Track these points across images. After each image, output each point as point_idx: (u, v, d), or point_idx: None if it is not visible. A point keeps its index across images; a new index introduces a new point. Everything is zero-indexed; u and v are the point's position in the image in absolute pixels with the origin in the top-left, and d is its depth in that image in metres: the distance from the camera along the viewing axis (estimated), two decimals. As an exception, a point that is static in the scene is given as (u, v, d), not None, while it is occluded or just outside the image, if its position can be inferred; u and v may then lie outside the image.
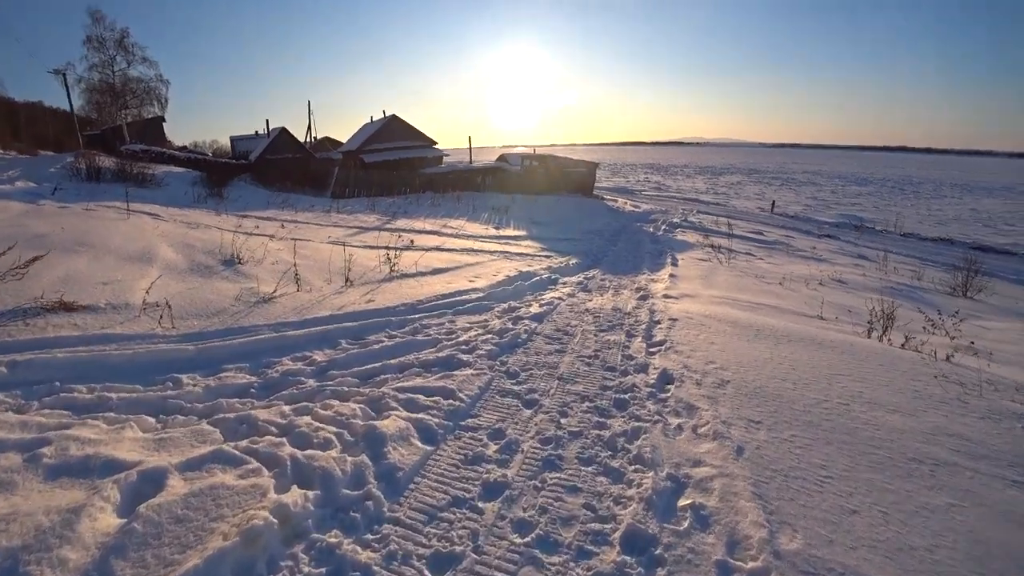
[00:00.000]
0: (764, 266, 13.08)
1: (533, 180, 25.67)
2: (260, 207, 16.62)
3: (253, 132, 39.98)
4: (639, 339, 5.99)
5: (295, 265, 7.80)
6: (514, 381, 4.73)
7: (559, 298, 7.97)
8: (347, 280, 7.69)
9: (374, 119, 34.38)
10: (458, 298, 7.31)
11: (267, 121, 27.27)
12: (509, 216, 18.63)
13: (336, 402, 4.05)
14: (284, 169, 24.26)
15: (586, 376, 4.91)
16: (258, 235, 11.36)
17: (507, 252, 12.13)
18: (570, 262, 11.63)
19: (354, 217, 16.08)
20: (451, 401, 4.15)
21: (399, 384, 4.44)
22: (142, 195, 16.14)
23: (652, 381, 4.76)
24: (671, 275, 10.62)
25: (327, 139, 42.54)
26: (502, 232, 15.58)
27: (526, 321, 6.42)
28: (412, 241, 10.32)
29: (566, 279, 9.74)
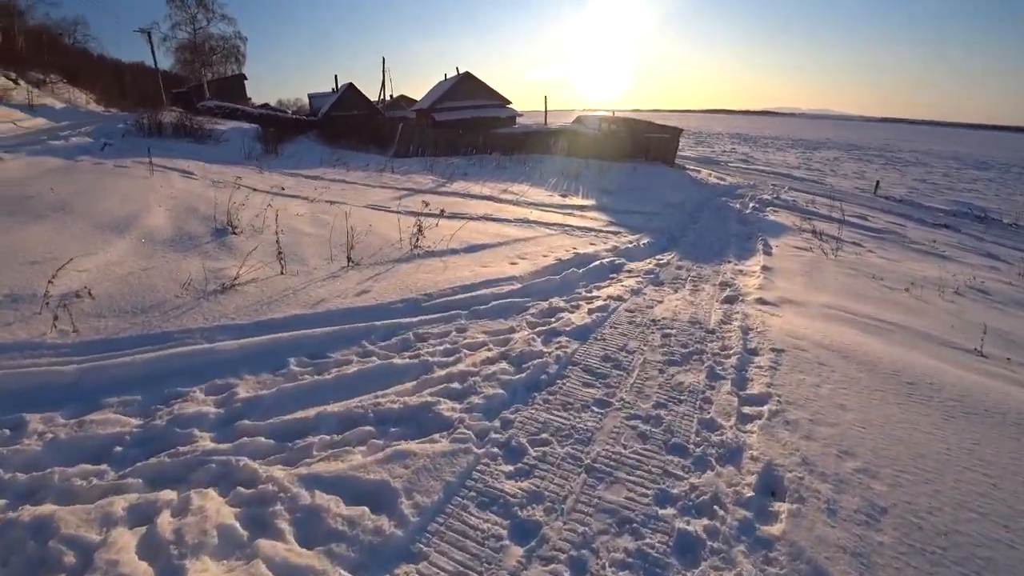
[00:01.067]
0: (878, 262, 10.56)
1: (610, 145, 23.29)
2: (312, 165, 15.52)
3: (330, 89, 39.27)
4: (727, 386, 4.02)
5: (277, 238, 6.38)
6: (511, 469, 2.94)
7: (619, 296, 6.12)
8: (349, 259, 6.16)
9: (448, 77, 32.68)
10: (485, 291, 5.60)
11: (335, 77, 26.28)
12: (579, 183, 16.63)
13: (203, 500, 2.45)
14: (349, 126, 23.19)
15: (635, 467, 3.04)
16: (288, 196, 10.12)
17: (568, 226, 10.29)
18: (641, 242, 9.67)
19: (408, 178, 14.64)
20: (381, 522, 2.44)
21: (320, 467, 2.79)
22: (194, 151, 15.41)
23: (746, 493, 2.83)
24: (764, 267, 8.48)
25: (403, 97, 41.31)
26: (568, 200, 13.67)
27: (564, 338, 4.63)
28: (442, 211, 8.65)
29: (633, 265, 7.85)
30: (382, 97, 27.52)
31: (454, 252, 7.03)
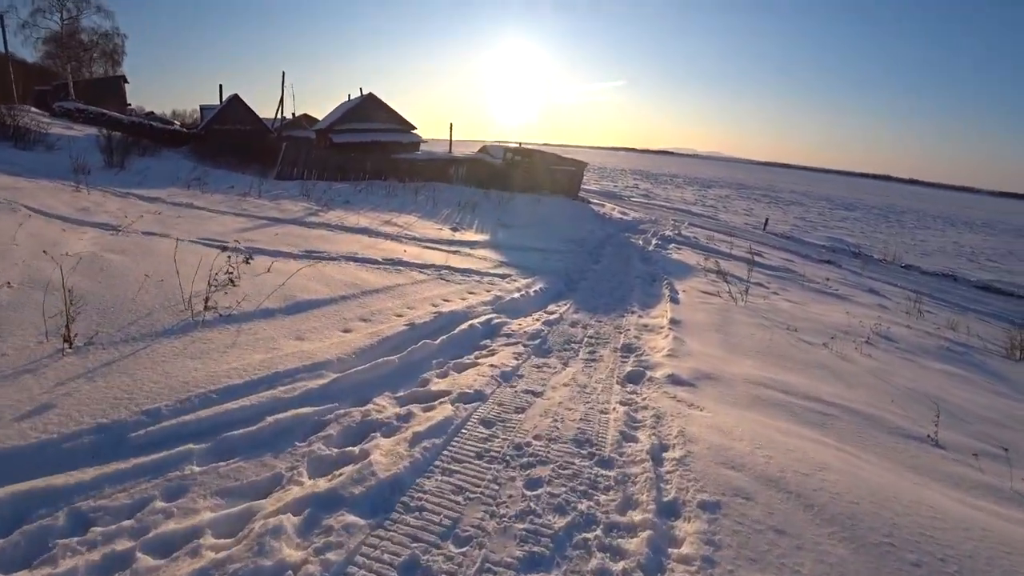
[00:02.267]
0: (786, 307, 9.52)
1: (513, 176, 21.91)
2: (161, 184, 12.73)
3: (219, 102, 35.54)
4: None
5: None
6: None
7: (478, 391, 4.08)
8: (67, 339, 3.82)
9: (351, 97, 30.30)
10: (265, 394, 3.47)
11: (220, 87, 23.02)
12: (476, 215, 14.90)
13: None
14: (229, 142, 20.32)
15: None
16: (88, 224, 7.59)
17: (448, 268, 8.40)
18: (533, 288, 7.96)
19: (276, 204, 12.24)
20: None
21: None
22: (7, 158, 12.22)
23: None
24: (672, 320, 7.00)
25: (305, 116, 38.26)
26: (459, 235, 11.85)
27: (345, 515, 2.48)
28: (249, 258, 6.44)
29: (515, 324, 6.03)
30: (279, 114, 24.67)
31: (265, 314, 4.89)
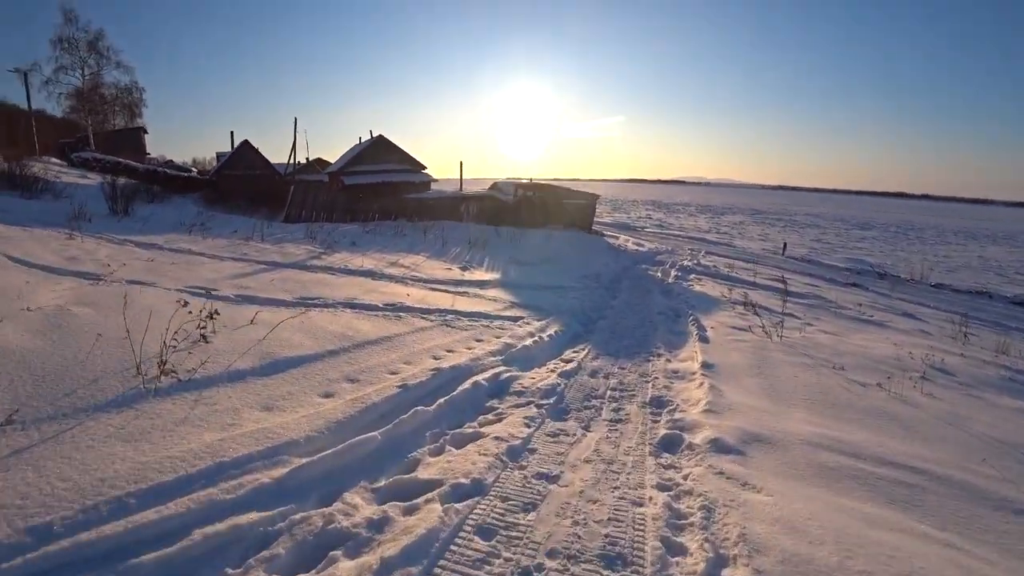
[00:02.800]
0: (824, 339, 8.58)
1: (525, 212, 21.38)
2: (164, 230, 12.33)
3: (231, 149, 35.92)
4: None
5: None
6: None
7: (477, 478, 3.21)
8: None
9: (362, 140, 30.34)
10: (188, 501, 2.63)
11: (231, 133, 23.13)
12: (487, 253, 14.26)
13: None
14: (238, 187, 20.19)
15: None
16: (68, 273, 7.04)
17: (455, 312, 7.68)
18: (547, 332, 7.18)
19: (279, 247, 11.72)
20: None
21: None
22: (10, 206, 11.94)
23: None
24: (704, 364, 6.16)
25: (319, 160, 38.54)
26: (468, 275, 11.17)
27: None
28: (212, 314, 5.81)
29: (528, 379, 5.25)
30: (293, 159, 24.64)
31: (234, 377, 4.17)
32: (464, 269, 11.79)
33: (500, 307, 8.51)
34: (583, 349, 6.69)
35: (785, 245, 30.23)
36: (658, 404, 4.86)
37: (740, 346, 7.28)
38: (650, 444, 3.93)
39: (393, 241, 14.47)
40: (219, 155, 35.93)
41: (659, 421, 4.42)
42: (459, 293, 9.25)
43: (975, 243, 46.04)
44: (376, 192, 23.65)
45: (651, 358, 6.60)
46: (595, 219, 25.95)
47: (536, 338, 6.71)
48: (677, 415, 4.50)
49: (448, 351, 5.77)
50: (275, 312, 6.38)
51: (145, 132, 34.20)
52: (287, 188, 20.10)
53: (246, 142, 22.41)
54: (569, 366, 5.75)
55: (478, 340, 6.44)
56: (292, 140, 23.58)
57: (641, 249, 19.74)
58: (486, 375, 5.02)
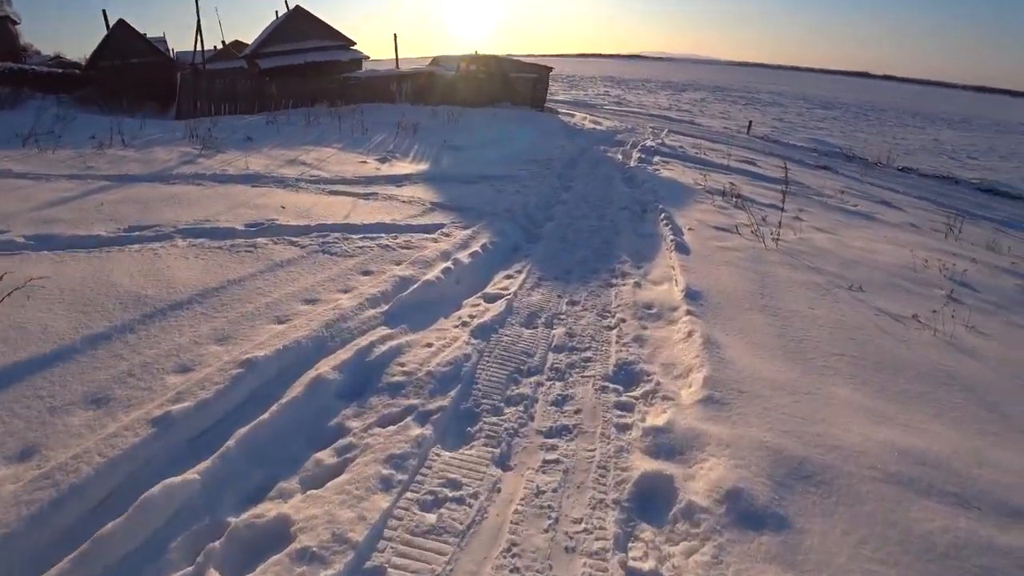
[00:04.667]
0: (823, 242, 6.71)
1: (468, 88, 18.12)
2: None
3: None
4: None
5: None
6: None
7: None
8: None
9: (279, 15, 25.19)
10: None
11: (104, 13, 17.79)
12: (416, 139, 11.52)
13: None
14: (118, 81, 16.10)
15: None
16: None
17: (347, 227, 5.40)
18: (469, 249, 5.02)
19: (142, 154, 8.79)
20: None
21: None
22: None
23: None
24: (689, 292, 4.19)
25: (236, 43, 32.61)
26: (386, 168, 8.66)
27: None
28: None
29: (419, 350, 3.13)
30: (199, 43, 20.03)
31: None
32: (383, 161, 9.21)
33: (415, 212, 6.22)
34: (519, 273, 4.60)
35: (750, 124, 27.86)
36: (627, 383, 2.92)
37: (730, 256, 5.31)
38: (616, 509, 2.00)
39: (302, 132, 11.50)
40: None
41: (628, 428, 2.49)
42: (366, 195, 6.85)
43: (932, 126, 44.58)
44: (297, 75, 19.69)
45: (614, 280, 4.59)
46: (549, 96, 22.76)
47: (452, 261, 4.56)
48: (658, 413, 2.58)
49: (307, 302, 3.60)
50: (56, 261, 4.00)
51: (14, 23, 27.31)
52: (173, 77, 16.12)
53: (121, 22, 17.48)
54: (492, 313, 3.67)
55: (365, 273, 4.26)
56: (196, 21, 18.92)
57: (599, 128, 17.09)
58: (348, 353, 2.91)
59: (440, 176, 8.39)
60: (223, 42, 32.31)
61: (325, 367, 2.75)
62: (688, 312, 3.76)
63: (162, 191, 6.66)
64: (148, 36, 29.27)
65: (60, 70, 17.58)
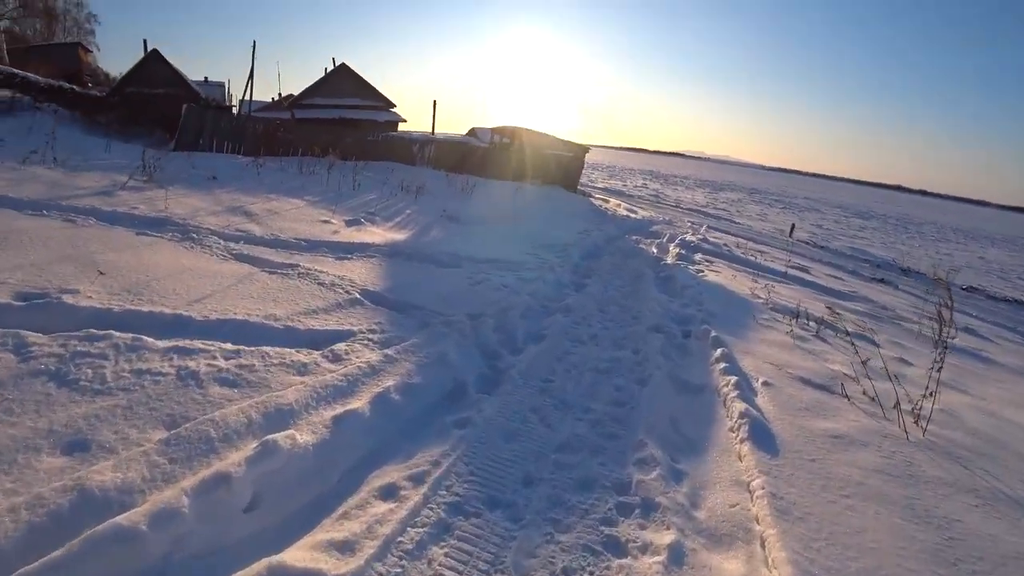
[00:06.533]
0: (980, 423, 4.02)
1: (497, 160, 16.42)
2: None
3: (203, 78, 30.00)
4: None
5: None
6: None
7: None
8: None
9: (327, 71, 24.84)
10: None
11: (144, 42, 17.32)
12: (415, 202, 9.46)
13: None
14: (143, 108, 15.07)
15: None
16: None
17: (175, 323, 3.05)
18: (354, 399, 2.56)
19: (68, 176, 6.99)
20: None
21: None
22: None
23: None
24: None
25: (290, 96, 32.97)
26: (347, 234, 6.47)
27: None
28: None
29: None
30: (248, 91, 19.39)
31: None
32: (353, 224, 7.03)
33: (324, 305, 3.84)
34: (424, 476, 2.11)
35: (793, 227, 25.48)
36: None
37: (853, 461, 2.68)
38: None
39: (285, 180, 9.61)
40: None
41: None
42: (282, 267, 4.57)
43: (975, 243, 41.67)
44: (330, 129, 18.53)
45: (620, 525, 2.05)
46: (586, 182, 21.04)
47: (300, 427, 2.09)
48: None
49: None
50: None
51: (86, 50, 28.15)
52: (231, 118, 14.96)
53: (155, 52, 16.85)
54: None
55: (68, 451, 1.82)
56: (250, 70, 18.21)
57: (632, 216, 14.91)
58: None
59: (411, 252, 6.09)
60: (280, 93, 32.58)
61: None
62: None
63: (7, 223, 4.53)
64: (210, 80, 29.59)
65: (77, 89, 16.81)
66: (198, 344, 2.99)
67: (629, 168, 70.54)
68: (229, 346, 3.04)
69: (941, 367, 3.42)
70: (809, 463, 2.63)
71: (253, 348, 3.07)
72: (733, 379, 3.49)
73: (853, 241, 27.97)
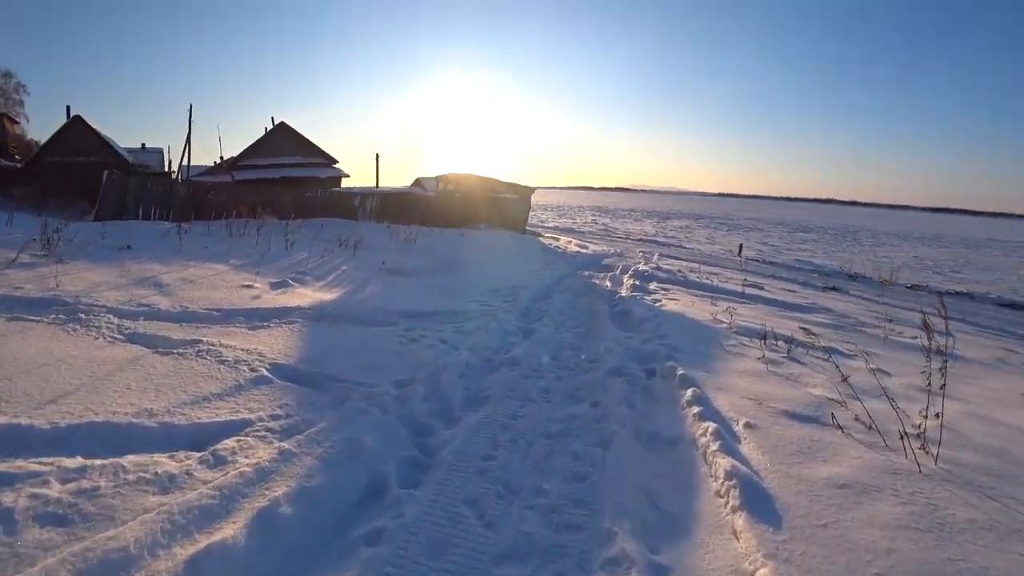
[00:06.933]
0: (979, 431, 3.62)
1: (443, 208, 16.04)
2: None
3: (140, 145, 28.78)
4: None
5: None
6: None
7: None
8: None
9: (267, 130, 24.34)
10: None
11: (67, 108, 16.29)
12: (352, 258, 8.83)
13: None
14: (64, 179, 14.12)
15: None
16: None
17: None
18: (229, 522, 1.89)
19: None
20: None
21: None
22: None
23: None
24: None
25: (232, 159, 32.13)
26: (271, 298, 5.77)
27: None
28: None
29: None
30: (186, 157, 18.50)
31: None
32: (279, 286, 6.31)
33: (221, 389, 3.13)
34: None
35: (741, 246, 26.01)
36: None
37: (865, 520, 2.15)
38: None
39: (210, 245, 8.82)
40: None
41: None
42: (181, 345, 3.84)
43: (907, 244, 44.16)
44: (269, 188, 17.83)
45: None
46: (536, 222, 20.92)
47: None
48: None
49: None
50: None
51: (13, 120, 26.64)
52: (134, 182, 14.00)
53: (77, 118, 15.86)
54: None
55: None
56: (187, 134, 17.45)
57: (584, 251, 14.65)
58: None
59: (340, 313, 5.42)
60: (221, 156, 31.72)
61: None
62: None
63: None
64: (148, 147, 28.40)
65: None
66: (30, 465, 2.26)
67: (578, 206, 71.90)
68: (75, 461, 2.32)
69: (944, 384, 2.99)
70: (821, 530, 2.08)
71: (108, 461, 2.35)
72: (711, 426, 2.95)
73: (798, 254, 28.82)
